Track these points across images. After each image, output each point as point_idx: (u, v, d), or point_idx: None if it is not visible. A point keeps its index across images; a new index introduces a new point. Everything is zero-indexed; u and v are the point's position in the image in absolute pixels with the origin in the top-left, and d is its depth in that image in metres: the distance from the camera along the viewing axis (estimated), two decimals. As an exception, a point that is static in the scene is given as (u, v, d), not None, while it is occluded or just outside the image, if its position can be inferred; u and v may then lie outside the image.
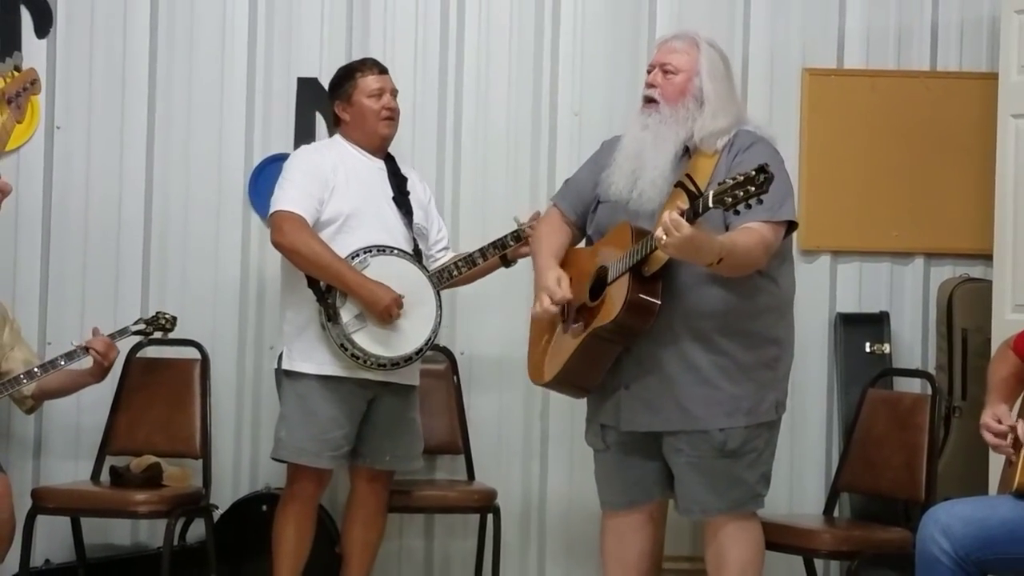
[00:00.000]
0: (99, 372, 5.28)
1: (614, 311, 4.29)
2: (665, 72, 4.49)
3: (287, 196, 5.04)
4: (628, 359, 4.44)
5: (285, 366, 5.13)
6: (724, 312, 4.35)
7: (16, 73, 4.37)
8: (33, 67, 4.47)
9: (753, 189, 3.89)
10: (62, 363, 5.20)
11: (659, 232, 3.98)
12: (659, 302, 4.28)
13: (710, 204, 3.95)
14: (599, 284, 4.44)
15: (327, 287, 4.98)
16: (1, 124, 4.17)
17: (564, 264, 4.59)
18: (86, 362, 5.27)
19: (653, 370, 4.41)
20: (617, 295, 4.31)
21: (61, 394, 5.41)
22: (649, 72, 4.56)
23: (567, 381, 4.60)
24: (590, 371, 4.52)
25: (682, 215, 3.96)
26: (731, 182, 3.92)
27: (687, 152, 4.44)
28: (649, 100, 4.50)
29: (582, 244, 4.72)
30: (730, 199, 3.91)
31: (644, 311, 4.29)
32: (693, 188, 3.99)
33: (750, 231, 4.25)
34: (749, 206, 3.94)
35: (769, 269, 4.40)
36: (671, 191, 4.30)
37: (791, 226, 4.40)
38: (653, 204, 4.33)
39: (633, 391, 4.45)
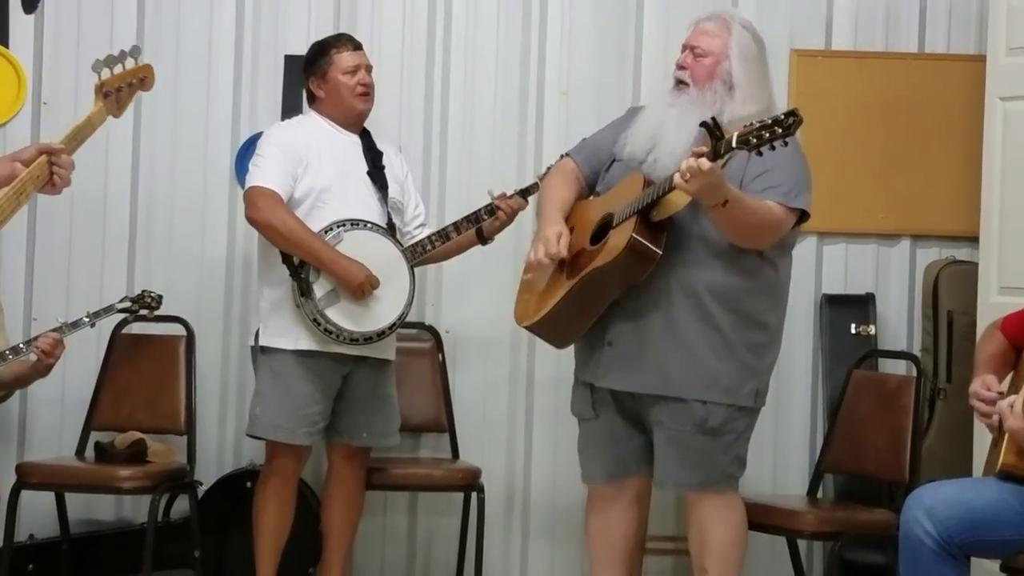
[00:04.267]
0: (43, 368, 5.21)
1: (615, 251, 4.28)
2: (695, 55, 4.48)
3: (261, 172, 5.04)
4: (617, 316, 4.45)
5: (261, 342, 5.13)
6: (722, 285, 4.37)
7: (129, 66, 4.00)
8: (149, 64, 4.03)
9: (780, 131, 3.88)
10: (16, 352, 5.13)
11: (683, 167, 3.98)
12: (660, 252, 4.28)
13: (733, 145, 3.94)
14: (602, 230, 4.43)
15: (300, 262, 4.98)
16: (88, 116, 3.85)
17: (570, 215, 4.58)
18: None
19: (639, 330, 4.42)
20: (620, 237, 4.30)
21: (16, 386, 5.38)
22: (682, 53, 4.54)
23: (553, 324, 4.56)
24: (578, 317, 4.50)
25: (702, 155, 3.97)
26: (758, 124, 3.91)
27: None
28: (679, 82, 4.49)
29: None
30: (755, 139, 3.90)
31: (644, 257, 4.28)
32: (717, 130, 3.99)
33: (763, 201, 4.28)
34: (773, 147, 3.91)
35: (770, 253, 4.42)
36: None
37: (802, 219, 4.41)
38: (667, 172, 4.27)
39: (616, 348, 4.46)
